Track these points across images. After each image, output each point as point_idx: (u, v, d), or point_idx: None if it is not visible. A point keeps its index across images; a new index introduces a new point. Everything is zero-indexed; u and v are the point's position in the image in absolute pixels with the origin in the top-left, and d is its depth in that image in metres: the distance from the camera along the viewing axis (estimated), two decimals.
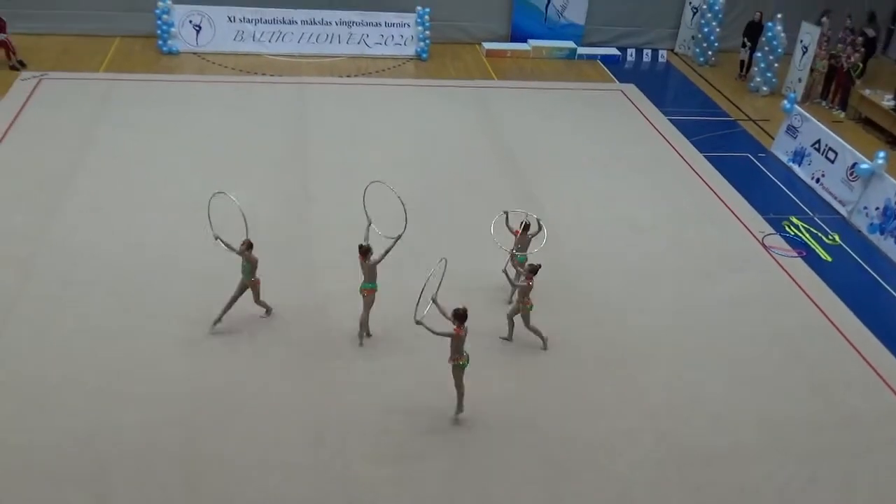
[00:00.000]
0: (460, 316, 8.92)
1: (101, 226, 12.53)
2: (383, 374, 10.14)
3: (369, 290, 10.40)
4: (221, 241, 10.21)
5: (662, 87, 20.66)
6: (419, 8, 20.18)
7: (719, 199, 14.96)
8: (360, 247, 10.28)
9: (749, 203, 14.86)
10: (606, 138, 16.85)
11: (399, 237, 10.34)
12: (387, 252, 10.26)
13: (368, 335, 10.65)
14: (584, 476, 8.99)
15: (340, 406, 9.60)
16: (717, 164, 16.22)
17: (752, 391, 10.42)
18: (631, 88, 19.70)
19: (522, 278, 10.31)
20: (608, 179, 15.22)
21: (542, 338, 10.75)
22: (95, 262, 11.69)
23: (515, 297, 10.76)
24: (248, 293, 10.48)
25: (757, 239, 13.78)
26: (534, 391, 10.12)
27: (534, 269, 10.29)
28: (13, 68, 17.65)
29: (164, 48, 19.38)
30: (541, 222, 11.36)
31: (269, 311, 10.84)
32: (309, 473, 8.72)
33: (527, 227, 11.29)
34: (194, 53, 19.52)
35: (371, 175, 13.06)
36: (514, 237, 11.22)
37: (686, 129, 17.66)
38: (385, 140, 15.93)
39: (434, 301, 8.91)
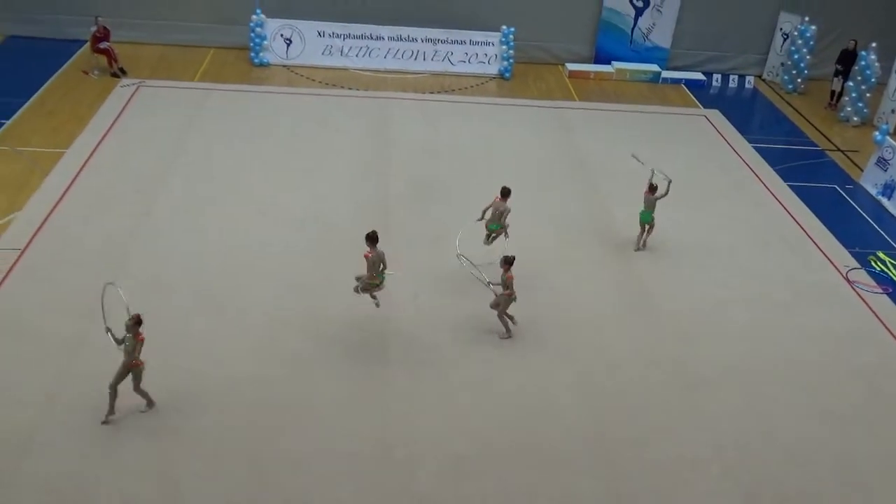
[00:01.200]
0: (371, 238, 10.36)
1: (190, 228, 13.01)
2: (452, 391, 10.24)
3: (498, 231, 12.27)
4: (112, 334, 9.17)
5: (748, 114, 20.30)
6: (504, 27, 20.37)
7: (802, 229, 14.61)
8: (504, 188, 11.85)
9: (834, 235, 14.48)
10: (688, 163, 16.63)
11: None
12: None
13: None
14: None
15: (409, 421, 9.72)
16: (802, 194, 15.86)
17: (826, 429, 10.14)
18: (715, 114, 19.42)
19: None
20: (688, 205, 14.99)
21: (507, 329, 11.13)
22: (182, 263, 12.15)
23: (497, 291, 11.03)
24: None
25: (840, 272, 13.41)
26: (600, 412, 10.08)
27: (508, 261, 10.73)
28: (114, 75, 18.49)
29: (256, 60, 20.04)
30: (669, 185, 13.08)
31: (149, 403, 9.43)
32: (376, 485, 8.84)
33: (654, 188, 12.97)
34: (284, 66, 20.11)
35: (449, 188, 13.32)
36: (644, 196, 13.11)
37: (771, 158, 17.32)
38: (465, 155, 16.10)
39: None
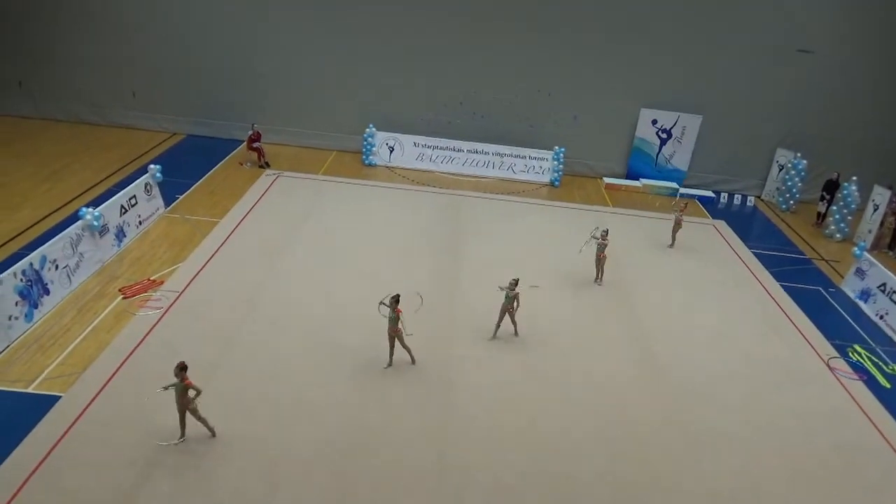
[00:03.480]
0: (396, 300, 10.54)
1: (304, 284, 13.22)
2: (502, 431, 9.95)
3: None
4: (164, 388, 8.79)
5: (748, 226, 19.75)
6: (556, 147, 20.54)
7: (791, 322, 13.95)
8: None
9: (818, 329, 13.76)
10: (697, 262, 16.22)
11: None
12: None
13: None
14: None
15: (464, 450, 9.50)
16: (792, 293, 15.19)
17: (808, 492, 9.43)
18: (721, 224, 18.97)
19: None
20: (696, 295, 14.59)
21: (515, 327, 11.91)
22: (295, 310, 12.32)
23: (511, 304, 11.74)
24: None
25: (823, 360, 12.69)
26: (618, 457, 9.63)
27: (515, 282, 11.50)
28: (261, 167, 19.25)
29: (366, 161, 20.58)
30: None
31: (212, 432, 9.05)
32: (434, 501, 8.60)
33: (684, 207, 17.04)
34: (386, 167, 20.59)
35: (507, 266, 13.24)
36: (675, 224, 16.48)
37: (766, 262, 16.73)
38: (518, 243, 16.05)
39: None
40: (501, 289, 11.67)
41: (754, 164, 21.50)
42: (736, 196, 21.46)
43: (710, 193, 21.32)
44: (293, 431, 9.41)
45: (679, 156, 21.40)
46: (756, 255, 17.14)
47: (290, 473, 8.71)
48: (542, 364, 11.51)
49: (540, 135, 20.98)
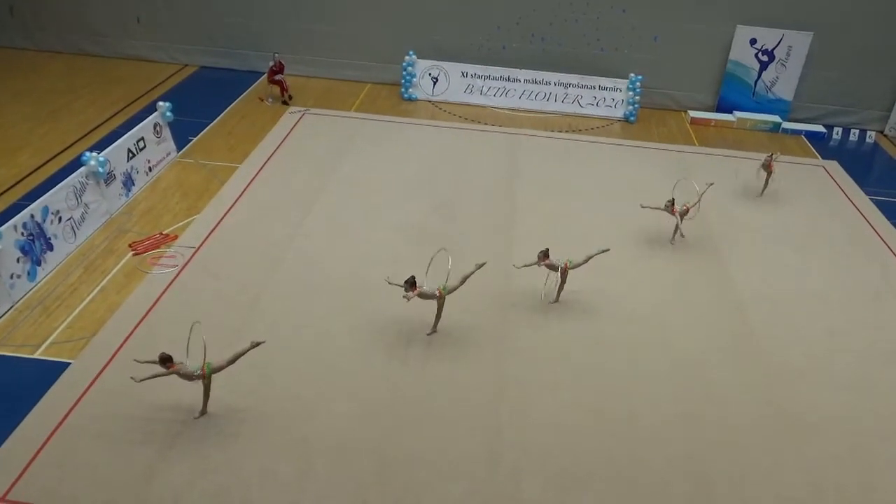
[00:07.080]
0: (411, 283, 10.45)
1: (335, 240, 13.40)
2: (563, 411, 10.01)
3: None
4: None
5: (867, 167, 19.00)
6: (632, 75, 20.01)
7: None
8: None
9: None
10: (803, 212, 15.74)
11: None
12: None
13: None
14: None
15: (520, 432, 9.58)
16: None
17: None
18: (833, 165, 18.29)
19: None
20: (800, 252, 14.20)
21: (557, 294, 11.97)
22: (326, 267, 12.53)
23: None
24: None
25: None
26: (701, 445, 9.61)
27: (545, 253, 11.58)
28: (284, 103, 19.37)
29: (405, 95, 20.51)
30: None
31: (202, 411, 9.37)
32: (484, 488, 8.74)
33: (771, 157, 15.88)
34: (429, 101, 20.50)
35: (571, 218, 12.99)
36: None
37: (889, 211, 16.12)
38: (585, 191, 15.86)
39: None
40: (521, 266, 11.72)
41: (877, 93, 20.56)
42: (852, 131, 20.63)
43: (820, 128, 20.55)
44: (326, 407, 9.67)
45: (783, 83, 20.61)
46: (876, 203, 16.52)
47: (323, 453, 8.99)
48: (612, 333, 11.47)
49: (612, 60, 20.48)
